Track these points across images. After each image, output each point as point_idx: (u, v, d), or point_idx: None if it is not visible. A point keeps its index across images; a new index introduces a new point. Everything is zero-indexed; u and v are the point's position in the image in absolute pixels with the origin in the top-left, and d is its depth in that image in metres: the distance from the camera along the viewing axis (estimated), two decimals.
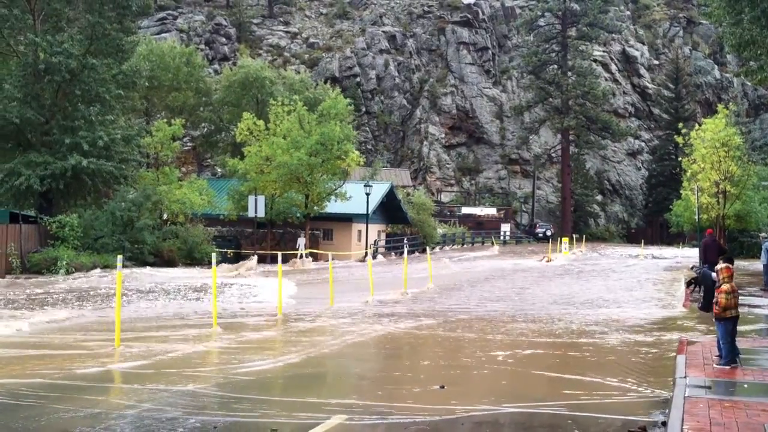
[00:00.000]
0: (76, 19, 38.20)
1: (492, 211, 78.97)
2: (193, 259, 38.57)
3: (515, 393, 10.09)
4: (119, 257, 13.89)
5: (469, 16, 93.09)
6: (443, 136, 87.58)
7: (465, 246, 65.93)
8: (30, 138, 36.67)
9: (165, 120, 46.59)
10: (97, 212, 36.59)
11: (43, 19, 37.11)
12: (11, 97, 35.48)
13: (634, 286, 28.59)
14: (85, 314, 18.76)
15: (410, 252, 42.99)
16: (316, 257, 43.68)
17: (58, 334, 15.43)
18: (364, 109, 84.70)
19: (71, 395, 9.42)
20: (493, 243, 65.96)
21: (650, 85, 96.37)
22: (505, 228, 76.03)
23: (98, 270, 31.97)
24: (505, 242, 71.43)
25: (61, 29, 37.08)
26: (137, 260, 35.07)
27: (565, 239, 54.69)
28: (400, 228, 58.57)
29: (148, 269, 33.57)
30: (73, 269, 31.59)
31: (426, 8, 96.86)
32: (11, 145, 37.35)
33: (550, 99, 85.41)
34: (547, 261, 43.53)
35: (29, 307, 20.13)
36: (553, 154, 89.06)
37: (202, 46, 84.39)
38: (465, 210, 78.76)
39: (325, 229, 49.67)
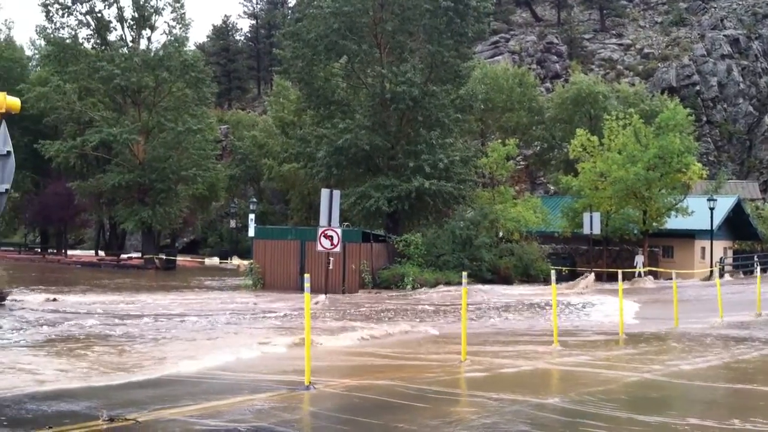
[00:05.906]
0: (418, 49, 40.75)
1: None
2: (529, 276, 39.03)
3: None
4: (464, 274, 14.44)
5: None
6: None
7: None
8: (378, 163, 39.74)
9: (499, 140, 47.85)
10: (438, 231, 38.55)
11: (388, 52, 40.10)
12: (362, 125, 38.75)
13: None
14: (431, 328, 19.83)
15: (763, 270, 39.74)
16: (656, 275, 41.95)
17: (408, 345, 16.50)
18: (704, 119, 79.74)
19: (422, 404, 10.04)
20: None
21: None
22: None
23: (441, 286, 33.81)
24: None
25: (404, 60, 39.78)
26: (476, 277, 36.30)
27: None
28: (749, 244, 54.35)
29: (486, 286, 34.66)
30: (418, 285, 33.69)
31: None
32: (362, 170, 40.76)
33: None
34: None
35: (382, 319, 21.76)
36: None
37: (534, 66, 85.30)
38: None
39: (664, 246, 47.54)
